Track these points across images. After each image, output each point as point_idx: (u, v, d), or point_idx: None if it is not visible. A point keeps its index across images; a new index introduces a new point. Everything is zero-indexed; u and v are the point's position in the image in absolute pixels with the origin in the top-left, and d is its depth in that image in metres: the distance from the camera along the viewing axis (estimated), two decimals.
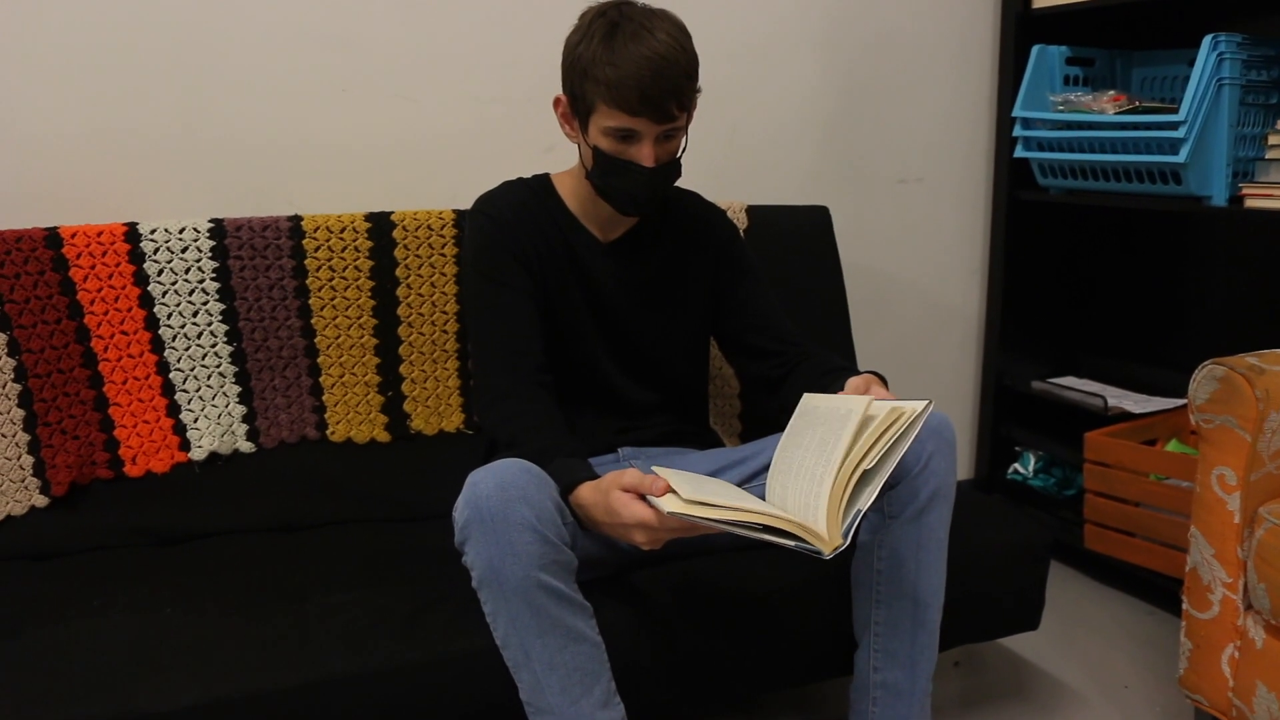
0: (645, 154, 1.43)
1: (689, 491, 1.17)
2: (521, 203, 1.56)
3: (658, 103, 1.38)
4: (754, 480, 1.51)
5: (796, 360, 1.59)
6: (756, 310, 1.66)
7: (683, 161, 1.51)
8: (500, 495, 1.21)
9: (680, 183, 1.64)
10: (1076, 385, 2.43)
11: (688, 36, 1.42)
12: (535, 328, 1.52)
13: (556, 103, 1.51)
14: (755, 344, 1.65)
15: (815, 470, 1.20)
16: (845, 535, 1.15)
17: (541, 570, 1.22)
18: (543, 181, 1.61)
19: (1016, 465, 2.56)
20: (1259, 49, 1.93)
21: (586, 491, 1.27)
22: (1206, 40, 1.90)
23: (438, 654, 1.31)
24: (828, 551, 1.13)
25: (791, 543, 1.13)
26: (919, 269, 2.52)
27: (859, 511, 1.17)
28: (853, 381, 1.37)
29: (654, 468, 1.23)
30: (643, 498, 1.21)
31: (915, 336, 2.56)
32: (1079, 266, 2.57)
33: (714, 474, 1.51)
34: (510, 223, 1.53)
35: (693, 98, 1.45)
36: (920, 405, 1.22)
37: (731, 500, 1.17)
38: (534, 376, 1.48)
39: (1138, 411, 2.24)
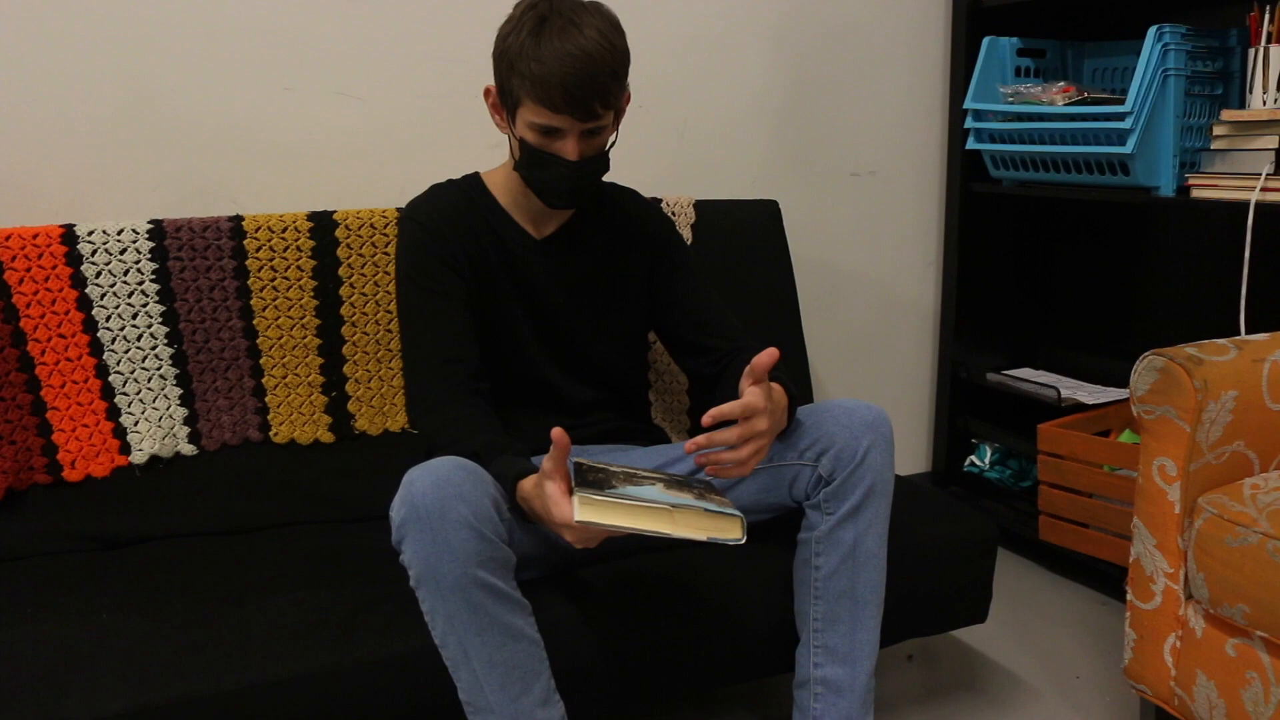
0: (569, 149, 1.42)
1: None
2: (451, 205, 1.55)
3: (581, 101, 1.37)
4: (697, 475, 1.50)
5: (730, 358, 1.58)
6: (692, 305, 1.64)
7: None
8: (436, 493, 1.20)
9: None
10: (1031, 377, 2.44)
11: (619, 33, 1.41)
12: (468, 335, 1.50)
13: (486, 93, 1.50)
14: (692, 340, 1.63)
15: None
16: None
17: (479, 567, 1.21)
18: (472, 181, 1.60)
19: (973, 457, 2.56)
20: (1203, 40, 1.94)
21: (529, 484, 1.26)
22: (1151, 31, 1.90)
23: (376, 655, 1.30)
24: (740, 535, 1.18)
25: (704, 537, 1.16)
26: (873, 262, 2.52)
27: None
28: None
29: (573, 460, 1.22)
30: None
31: (870, 330, 2.56)
32: (1033, 258, 2.58)
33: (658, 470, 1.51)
34: (440, 228, 1.52)
35: (620, 96, 1.44)
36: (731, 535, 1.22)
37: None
38: (468, 384, 1.46)
39: (1091, 402, 2.26)
